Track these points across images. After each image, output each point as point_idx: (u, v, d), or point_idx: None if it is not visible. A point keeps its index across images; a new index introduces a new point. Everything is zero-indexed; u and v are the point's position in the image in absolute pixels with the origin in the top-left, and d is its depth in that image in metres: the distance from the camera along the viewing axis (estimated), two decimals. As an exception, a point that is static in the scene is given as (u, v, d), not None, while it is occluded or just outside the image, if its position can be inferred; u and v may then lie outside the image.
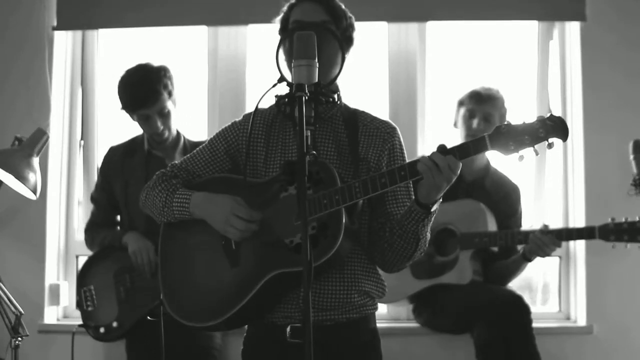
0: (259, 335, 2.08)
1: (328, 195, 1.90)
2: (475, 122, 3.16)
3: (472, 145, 1.84)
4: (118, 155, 3.16)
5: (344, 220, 1.89)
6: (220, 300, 2.00)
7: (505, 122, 1.84)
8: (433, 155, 1.84)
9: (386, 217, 2.05)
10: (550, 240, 2.94)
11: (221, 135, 2.16)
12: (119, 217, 3.20)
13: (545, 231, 2.96)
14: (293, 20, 2.08)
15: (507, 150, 1.82)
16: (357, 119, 2.11)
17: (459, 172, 1.84)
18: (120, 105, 3.03)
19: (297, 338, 1.96)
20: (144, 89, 2.94)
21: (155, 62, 3.03)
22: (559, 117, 1.81)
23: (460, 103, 3.25)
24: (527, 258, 3.04)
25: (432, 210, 1.91)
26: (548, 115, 1.82)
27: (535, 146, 1.81)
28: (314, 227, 1.92)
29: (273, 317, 2.03)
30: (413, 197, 1.99)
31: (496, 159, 3.24)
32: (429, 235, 2.01)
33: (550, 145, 1.80)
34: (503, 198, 3.22)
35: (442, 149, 1.86)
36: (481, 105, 3.16)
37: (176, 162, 2.20)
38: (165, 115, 3.00)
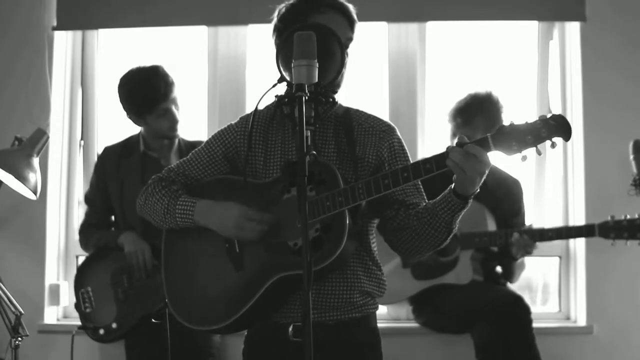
0: (261, 334, 2.08)
1: (331, 197, 1.90)
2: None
3: (476, 145, 1.82)
4: (114, 156, 3.14)
5: (347, 222, 1.89)
6: (225, 304, 2.00)
7: (509, 123, 1.82)
8: (449, 151, 1.80)
9: (400, 204, 2.03)
10: (525, 242, 2.98)
11: (218, 138, 2.13)
12: (113, 218, 3.18)
13: (521, 231, 3.00)
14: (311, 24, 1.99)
15: (510, 151, 1.81)
16: (351, 118, 2.10)
17: (486, 159, 1.80)
18: (131, 110, 2.99)
19: (299, 337, 1.94)
20: (160, 82, 2.94)
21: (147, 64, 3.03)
22: (560, 116, 1.79)
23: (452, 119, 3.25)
24: (513, 257, 3.07)
25: (469, 201, 1.89)
26: (550, 114, 1.81)
27: (538, 146, 1.80)
28: (318, 229, 1.92)
29: (275, 316, 2.02)
30: (419, 183, 2.00)
31: (495, 156, 3.24)
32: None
33: (553, 145, 1.80)
34: (505, 194, 3.22)
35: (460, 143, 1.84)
36: (464, 128, 3.17)
37: (172, 165, 2.17)
38: (178, 106, 3.02)
